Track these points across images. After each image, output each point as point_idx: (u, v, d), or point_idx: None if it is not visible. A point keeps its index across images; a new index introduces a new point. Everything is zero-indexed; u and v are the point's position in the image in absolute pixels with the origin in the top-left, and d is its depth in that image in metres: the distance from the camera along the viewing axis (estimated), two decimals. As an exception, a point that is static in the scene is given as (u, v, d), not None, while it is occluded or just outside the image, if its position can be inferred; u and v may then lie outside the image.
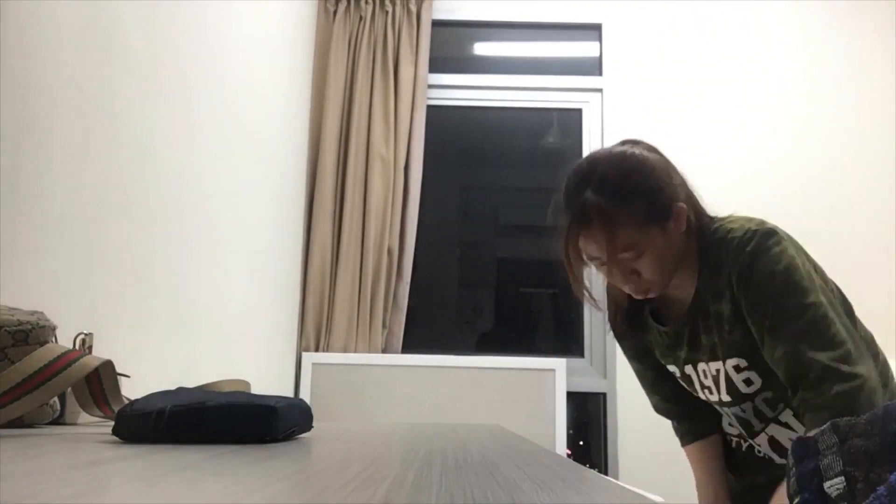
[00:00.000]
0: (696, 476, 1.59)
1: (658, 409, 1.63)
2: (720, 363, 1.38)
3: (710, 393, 1.44)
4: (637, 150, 1.38)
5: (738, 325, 1.33)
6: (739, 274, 1.31)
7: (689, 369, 1.46)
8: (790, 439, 1.41)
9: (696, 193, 1.43)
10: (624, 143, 1.43)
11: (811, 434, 0.79)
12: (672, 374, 1.53)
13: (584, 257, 1.35)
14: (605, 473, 3.19)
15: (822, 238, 3.27)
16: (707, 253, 1.37)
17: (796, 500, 1.06)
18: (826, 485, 1.01)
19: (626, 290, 1.39)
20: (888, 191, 3.32)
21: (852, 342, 1.24)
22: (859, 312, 1.39)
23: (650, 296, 1.39)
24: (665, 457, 2.93)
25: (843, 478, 1.00)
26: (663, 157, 1.41)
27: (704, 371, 1.43)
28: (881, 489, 0.85)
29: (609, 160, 1.35)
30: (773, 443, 1.42)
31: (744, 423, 1.43)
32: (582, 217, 1.30)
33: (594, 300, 1.44)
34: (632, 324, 1.53)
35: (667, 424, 1.65)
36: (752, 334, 1.32)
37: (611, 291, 1.56)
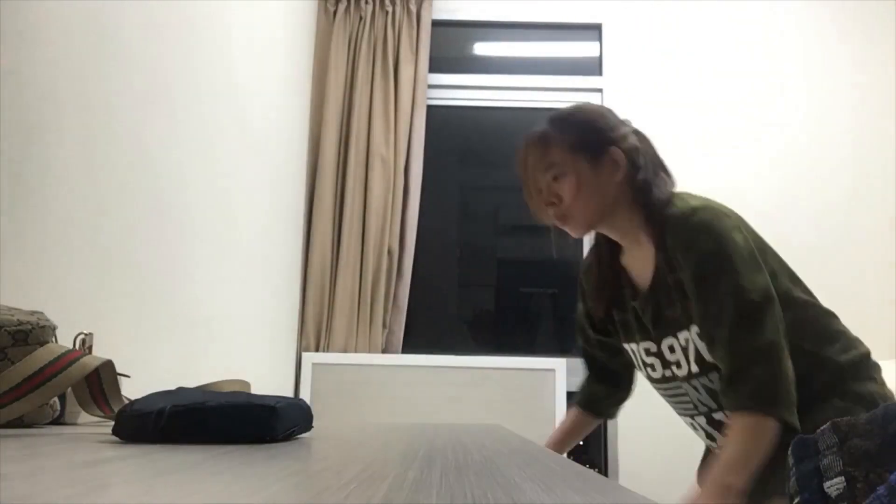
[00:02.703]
0: (557, 427, 1.78)
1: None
2: (686, 332, 1.41)
3: (678, 367, 1.45)
4: (599, 105, 1.58)
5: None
6: (681, 252, 1.37)
7: (653, 347, 1.50)
8: None
9: (650, 166, 1.48)
10: None
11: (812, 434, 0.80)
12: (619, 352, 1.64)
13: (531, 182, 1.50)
14: (605, 473, 3.19)
15: (820, 237, 3.27)
16: (656, 227, 1.43)
17: (796, 500, 1.06)
18: (826, 485, 1.01)
19: (547, 215, 1.49)
20: (889, 191, 3.32)
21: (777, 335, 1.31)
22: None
23: (569, 229, 1.48)
24: (665, 457, 2.93)
25: (843, 478, 1.00)
26: (628, 124, 1.51)
27: (672, 346, 1.45)
28: (881, 489, 0.85)
29: (572, 105, 1.55)
30: None
31: (712, 393, 1.43)
32: (529, 137, 1.50)
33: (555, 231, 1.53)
34: (610, 303, 1.58)
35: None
36: None
37: (582, 283, 1.67)
